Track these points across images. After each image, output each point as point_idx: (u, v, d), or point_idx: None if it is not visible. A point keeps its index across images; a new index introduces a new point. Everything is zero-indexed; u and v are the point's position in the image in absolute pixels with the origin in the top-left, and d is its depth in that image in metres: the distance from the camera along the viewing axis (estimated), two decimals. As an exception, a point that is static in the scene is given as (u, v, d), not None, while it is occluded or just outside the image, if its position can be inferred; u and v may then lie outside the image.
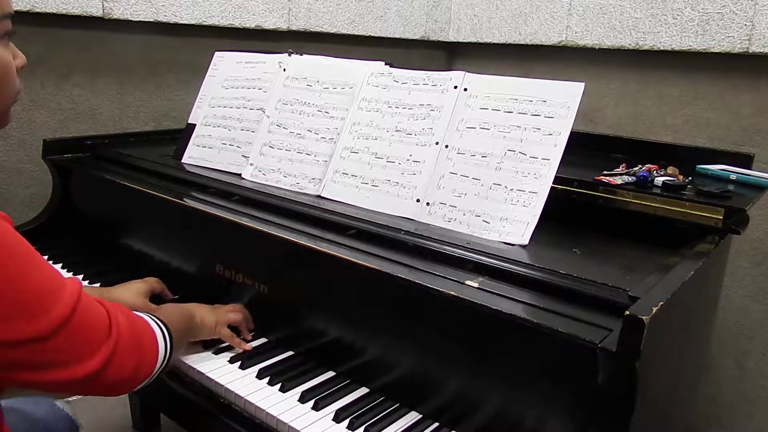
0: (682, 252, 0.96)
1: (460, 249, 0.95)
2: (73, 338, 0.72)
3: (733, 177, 1.24)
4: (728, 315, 1.90)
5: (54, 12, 1.59)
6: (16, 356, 0.69)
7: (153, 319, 0.87)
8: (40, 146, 1.50)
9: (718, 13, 1.81)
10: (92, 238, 1.47)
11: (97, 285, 1.29)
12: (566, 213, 1.09)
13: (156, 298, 1.17)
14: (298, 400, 0.93)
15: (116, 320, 0.78)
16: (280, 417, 0.90)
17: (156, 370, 0.84)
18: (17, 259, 0.69)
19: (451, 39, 2.54)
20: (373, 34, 2.29)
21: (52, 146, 1.50)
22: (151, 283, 1.17)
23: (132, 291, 1.13)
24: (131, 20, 1.73)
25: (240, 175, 1.33)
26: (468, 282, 0.86)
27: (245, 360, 1.02)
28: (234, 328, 1.10)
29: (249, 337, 1.10)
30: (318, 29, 2.12)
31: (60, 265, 1.37)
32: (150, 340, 0.83)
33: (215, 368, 1.01)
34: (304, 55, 1.40)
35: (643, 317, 0.68)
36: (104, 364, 0.74)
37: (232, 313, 1.09)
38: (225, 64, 1.51)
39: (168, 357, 0.86)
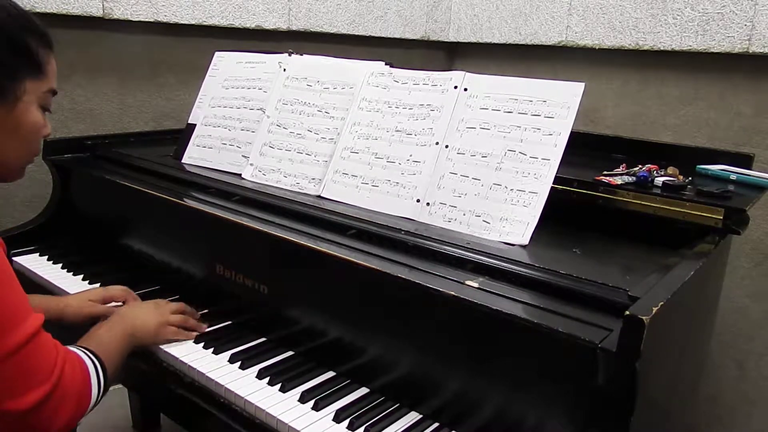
0: (682, 252, 0.96)
1: (460, 249, 0.95)
2: (16, 371, 0.75)
3: (733, 177, 1.24)
4: (728, 315, 1.90)
5: (54, 12, 1.59)
6: None
7: (89, 357, 0.88)
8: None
9: (718, 13, 1.81)
10: (92, 238, 1.47)
11: (97, 285, 1.29)
12: (566, 213, 1.09)
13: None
14: (298, 400, 0.93)
15: (61, 365, 0.80)
16: (280, 417, 0.90)
17: (90, 408, 0.86)
18: None
19: (451, 39, 2.54)
20: (373, 34, 2.29)
21: (52, 146, 1.50)
22: (108, 291, 1.17)
23: (80, 297, 1.14)
24: (131, 20, 1.73)
25: (240, 175, 1.33)
26: (468, 282, 0.86)
27: (245, 360, 1.02)
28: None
29: (204, 328, 1.11)
30: (318, 29, 2.12)
31: (60, 265, 1.37)
32: (85, 384, 0.85)
33: (215, 368, 1.01)
34: (304, 55, 1.40)
35: (643, 317, 0.68)
36: (39, 402, 0.76)
37: (174, 315, 1.09)
38: (225, 64, 1.51)
39: (101, 393, 0.88)
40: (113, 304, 1.16)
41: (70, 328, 1.09)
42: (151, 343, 1.05)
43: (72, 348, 0.88)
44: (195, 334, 1.09)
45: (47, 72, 0.89)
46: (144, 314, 1.06)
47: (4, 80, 0.82)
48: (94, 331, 0.99)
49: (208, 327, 1.12)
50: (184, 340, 1.08)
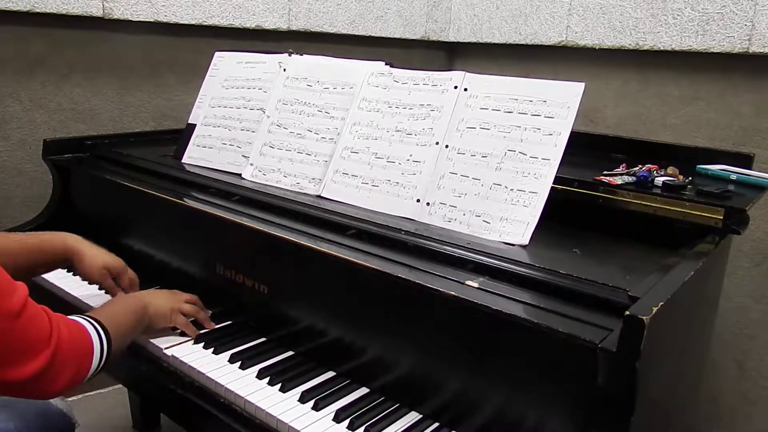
0: (682, 252, 0.96)
1: (460, 249, 0.95)
2: (15, 340, 0.75)
3: (733, 177, 1.24)
4: (728, 315, 1.90)
5: (54, 12, 1.59)
6: None
7: (90, 323, 0.88)
8: (40, 146, 1.50)
9: (718, 13, 1.81)
10: (92, 238, 1.46)
11: (97, 285, 1.29)
12: (566, 213, 1.09)
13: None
14: (298, 400, 0.93)
15: (57, 330, 0.80)
16: (280, 417, 0.90)
17: (90, 375, 0.86)
18: None
19: (451, 39, 2.54)
20: (373, 34, 2.29)
21: (52, 146, 1.50)
22: (124, 269, 1.17)
23: (98, 259, 1.14)
24: (131, 20, 1.73)
25: (240, 175, 1.33)
26: (468, 282, 0.86)
27: (245, 360, 1.02)
28: (195, 323, 1.12)
29: (212, 325, 1.12)
30: (318, 29, 2.12)
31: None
32: (86, 350, 0.85)
33: (215, 368, 1.01)
34: (304, 55, 1.40)
35: (643, 317, 0.68)
36: (42, 370, 0.77)
37: (188, 303, 1.11)
38: (225, 64, 1.51)
39: (104, 360, 0.88)
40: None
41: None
42: (162, 325, 1.06)
43: (74, 317, 0.88)
44: (198, 330, 1.10)
45: None
46: (159, 296, 1.08)
47: None
48: (106, 303, 1.00)
49: (209, 327, 1.13)
50: (190, 337, 1.08)
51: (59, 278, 1.32)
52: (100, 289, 1.28)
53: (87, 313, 0.93)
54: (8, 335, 0.74)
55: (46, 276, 1.31)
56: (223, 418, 0.95)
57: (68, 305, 1.26)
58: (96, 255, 1.15)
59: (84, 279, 1.20)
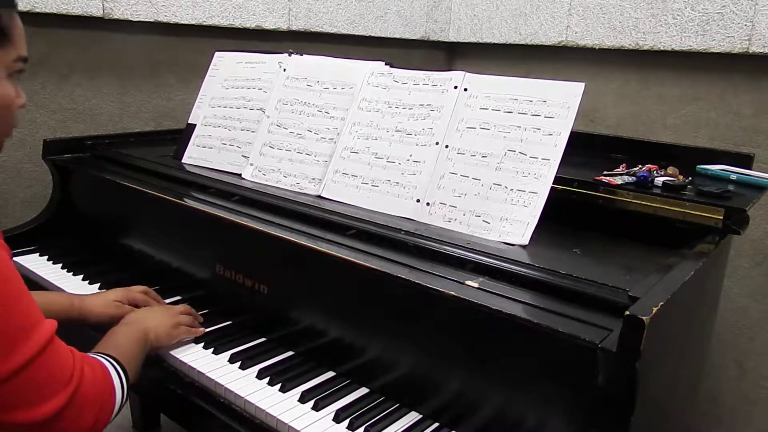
0: (682, 252, 0.96)
1: (460, 249, 0.95)
2: (33, 381, 0.73)
3: (733, 177, 1.24)
4: (728, 315, 1.90)
5: (54, 12, 1.59)
6: None
7: (109, 361, 0.86)
8: (40, 146, 1.50)
9: (718, 13, 1.81)
10: (92, 238, 1.47)
11: (97, 285, 1.29)
12: (566, 213, 1.09)
13: None
14: (298, 400, 0.93)
15: (80, 371, 0.78)
16: (280, 417, 0.90)
17: (114, 414, 0.84)
18: (8, 289, 0.71)
19: (451, 39, 2.54)
20: (373, 34, 2.29)
21: (52, 146, 1.50)
22: (131, 293, 1.15)
23: (104, 299, 1.12)
24: (131, 20, 1.72)
25: (240, 175, 1.33)
26: (468, 282, 0.86)
27: (245, 360, 1.02)
28: None
29: (202, 331, 1.11)
30: (318, 29, 2.12)
31: (60, 265, 1.37)
32: (108, 389, 0.83)
33: (215, 368, 1.01)
34: (304, 55, 1.40)
35: (643, 317, 0.68)
36: (59, 411, 0.74)
37: (184, 316, 1.09)
38: (225, 64, 1.51)
39: (124, 398, 0.86)
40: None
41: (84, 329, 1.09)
42: (165, 344, 1.04)
43: (91, 354, 0.86)
44: (203, 329, 1.10)
45: (13, 37, 0.78)
46: (155, 317, 1.05)
47: None
48: (108, 337, 0.96)
49: (209, 327, 1.12)
50: (196, 335, 1.08)
51: (59, 278, 1.32)
52: (100, 288, 1.28)
53: (99, 350, 0.89)
54: (27, 374, 0.72)
55: (45, 276, 1.31)
56: (223, 418, 0.95)
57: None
58: (99, 296, 1.14)
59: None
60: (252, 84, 1.42)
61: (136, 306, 1.16)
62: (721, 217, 1.02)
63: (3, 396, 0.71)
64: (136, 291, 1.17)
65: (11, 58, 0.79)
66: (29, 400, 0.73)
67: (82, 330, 1.09)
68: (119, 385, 0.84)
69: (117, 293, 1.15)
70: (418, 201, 1.10)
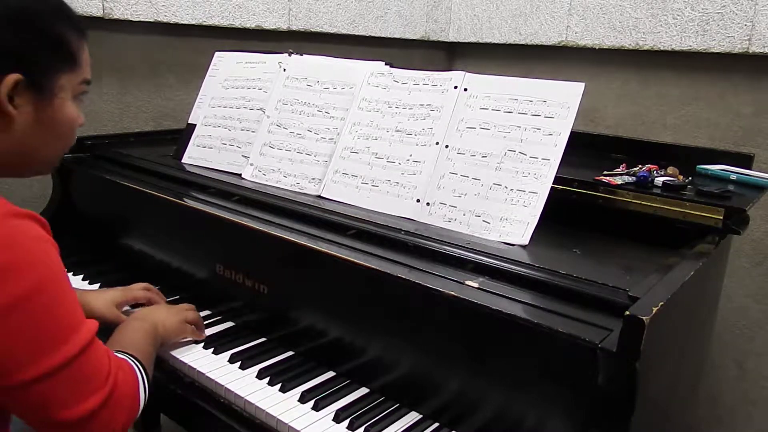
0: (682, 252, 0.96)
1: (460, 249, 0.95)
2: (73, 379, 0.74)
3: (733, 177, 1.24)
4: (728, 315, 1.90)
5: (54, 12, 1.58)
6: (13, 396, 0.72)
7: (136, 365, 0.86)
8: (40, 146, 1.50)
9: (718, 13, 1.81)
10: (92, 238, 1.47)
11: (97, 285, 1.29)
12: (566, 213, 1.09)
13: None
14: (298, 401, 0.93)
15: (115, 372, 0.79)
16: (280, 417, 0.90)
17: (138, 415, 0.84)
18: (57, 288, 0.73)
19: (451, 39, 2.54)
20: (373, 34, 2.29)
21: (52, 146, 1.49)
22: (130, 292, 1.15)
23: (104, 300, 1.12)
24: (131, 20, 1.72)
25: (240, 175, 1.33)
26: (468, 282, 0.86)
27: (245, 360, 1.02)
28: None
29: (204, 335, 1.10)
30: (318, 29, 2.12)
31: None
32: (136, 388, 0.83)
33: (215, 368, 1.01)
34: (304, 55, 1.40)
35: (643, 317, 0.68)
36: (95, 410, 0.75)
37: (190, 311, 1.09)
38: (225, 64, 1.51)
39: (147, 397, 0.86)
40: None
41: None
42: (173, 338, 1.05)
43: (118, 354, 0.86)
44: (205, 334, 1.10)
45: (81, 62, 0.85)
46: (163, 314, 1.06)
47: (41, 77, 0.78)
48: (123, 333, 0.96)
49: (209, 327, 1.12)
50: (200, 340, 1.08)
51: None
52: (100, 288, 1.28)
53: (119, 349, 0.89)
54: (68, 372, 0.73)
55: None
56: (223, 418, 0.95)
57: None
58: (100, 295, 1.13)
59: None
60: (252, 84, 1.42)
61: (139, 304, 1.16)
62: (721, 217, 1.02)
63: (43, 393, 0.72)
64: (137, 288, 1.17)
65: (78, 81, 0.85)
66: (68, 398, 0.73)
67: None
68: (143, 386, 0.85)
69: (117, 294, 1.15)
70: (418, 201, 1.10)
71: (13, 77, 0.75)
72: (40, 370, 0.71)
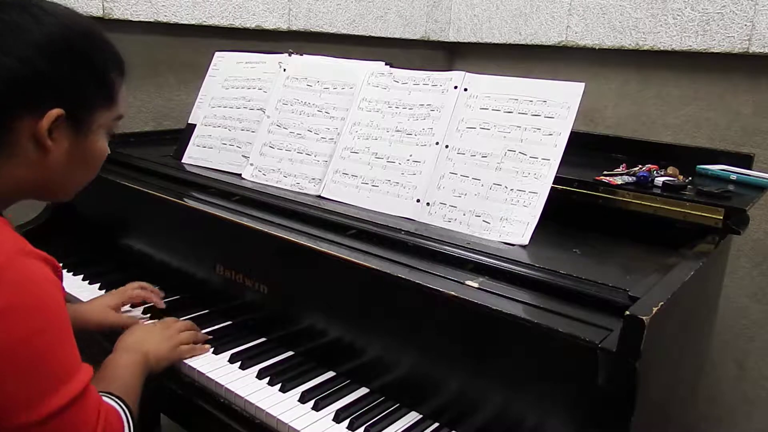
0: (682, 252, 0.96)
1: (460, 249, 0.95)
2: (64, 427, 0.72)
3: (733, 177, 1.24)
4: (728, 315, 1.90)
5: (54, 12, 1.59)
6: None
7: (123, 409, 0.84)
8: (40, 146, 1.50)
9: (718, 13, 1.81)
10: (92, 238, 1.47)
11: (97, 285, 1.29)
12: (566, 213, 1.09)
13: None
14: (298, 401, 0.93)
15: (103, 425, 0.76)
16: (280, 417, 0.90)
17: None
18: (56, 330, 0.72)
19: (451, 39, 2.54)
20: (373, 34, 2.29)
21: (52, 146, 1.49)
22: (125, 294, 1.14)
23: (100, 308, 1.11)
24: (131, 20, 1.72)
25: (240, 175, 1.33)
26: (468, 282, 0.86)
27: (245, 360, 1.02)
28: None
29: (207, 348, 1.07)
30: (318, 29, 2.12)
31: (60, 265, 1.37)
32: None
33: (215, 368, 1.01)
34: (304, 55, 1.40)
35: (643, 317, 0.68)
36: None
37: (184, 334, 1.05)
38: (225, 64, 1.51)
39: None
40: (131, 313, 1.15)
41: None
42: (165, 366, 1.01)
43: (104, 398, 0.83)
44: (208, 346, 1.06)
45: (118, 100, 0.87)
46: (154, 340, 1.01)
47: (82, 113, 0.79)
48: (111, 369, 0.93)
49: (209, 327, 1.12)
50: (200, 353, 1.05)
51: (59, 278, 1.31)
52: (100, 289, 1.28)
53: (105, 390, 0.85)
54: (53, 425, 0.70)
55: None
56: (223, 418, 0.95)
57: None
58: (94, 304, 1.13)
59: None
60: (252, 84, 1.42)
61: (136, 303, 1.15)
62: (721, 217, 1.02)
63: None
64: (132, 288, 1.16)
65: (113, 117, 0.85)
66: None
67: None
68: (128, 430, 0.83)
69: (112, 298, 1.14)
70: (418, 201, 1.10)
71: (55, 112, 0.75)
72: (38, 413, 0.69)
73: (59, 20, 0.78)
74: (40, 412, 0.69)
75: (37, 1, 0.78)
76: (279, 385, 0.96)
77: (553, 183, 1.00)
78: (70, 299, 1.27)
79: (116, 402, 0.84)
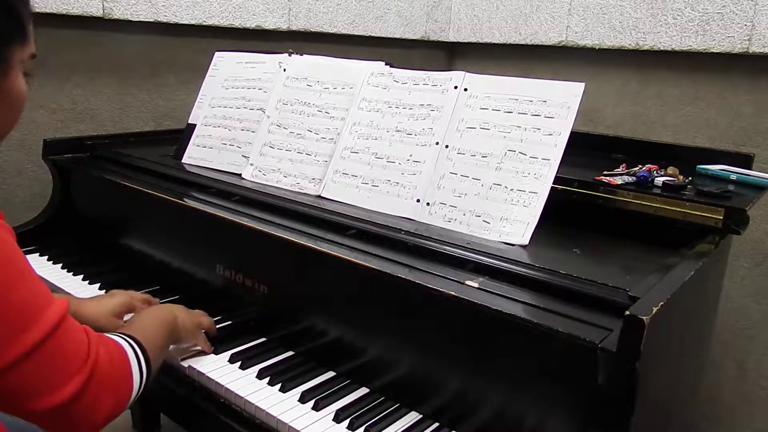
0: (682, 252, 0.96)
1: (460, 249, 0.95)
2: (43, 366, 0.69)
3: (733, 177, 1.24)
4: (728, 315, 1.90)
5: (54, 12, 1.59)
6: None
7: (128, 342, 0.82)
8: (40, 146, 1.50)
9: (718, 13, 1.81)
10: (92, 238, 1.47)
11: (97, 285, 1.29)
12: (566, 213, 1.09)
13: None
14: (298, 400, 0.93)
15: (95, 352, 0.74)
16: (280, 417, 0.90)
17: (131, 401, 0.79)
18: (9, 272, 0.69)
19: (451, 39, 2.54)
20: (373, 34, 2.29)
21: (52, 146, 1.50)
22: (129, 301, 1.11)
23: (103, 309, 1.07)
24: (131, 20, 1.72)
25: (240, 175, 1.33)
26: (468, 282, 0.86)
27: (245, 360, 1.02)
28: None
29: (210, 349, 1.06)
30: (318, 29, 2.12)
31: (60, 265, 1.37)
32: (126, 373, 0.79)
33: (215, 368, 1.01)
34: (304, 55, 1.40)
35: (643, 317, 0.68)
36: (75, 396, 0.71)
37: (205, 318, 1.07)
38: (225, 64, 1.51)
39: (144, 383, 0.82)
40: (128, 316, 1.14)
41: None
42: (188, 337, 1.02)
43: (108, 334, 0.81)
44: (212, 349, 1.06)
45: (29, 36, 0.79)
46: (182, 312, 1.02)
47: None
48: (135, 319, 0.93)
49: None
50: (207, 351, 1.05)
51: (59, 278, 1.32)
52: (100, 289, 1.28)
53: (120, 330, 0.85)
54: (35, 359, 0.68)
55: (45, 276, 1.31)
56: (223, 418, 0.95)
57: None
58: (100, 303, 1.09)
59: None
60: (252, 84, 1.42)
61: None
62: (721, 217, 1.02)
63: (13, 383, 0.68)
64: (138, 300, 1.12)
65: (27, 54, 0.79)
66: (42, 385, 0.69)
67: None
68: (137, 367, 0.80)
69: (119, 300, 1.10)
70: (418, 201, 1.10)
71: None
72: (7, 357, 0.67)
73: None
74: (12, 352, 0.67)
75: None
76: (279, 385, 0.96)
77: (553, 183, 1.00)
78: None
79: (122, 337, 0.82)
